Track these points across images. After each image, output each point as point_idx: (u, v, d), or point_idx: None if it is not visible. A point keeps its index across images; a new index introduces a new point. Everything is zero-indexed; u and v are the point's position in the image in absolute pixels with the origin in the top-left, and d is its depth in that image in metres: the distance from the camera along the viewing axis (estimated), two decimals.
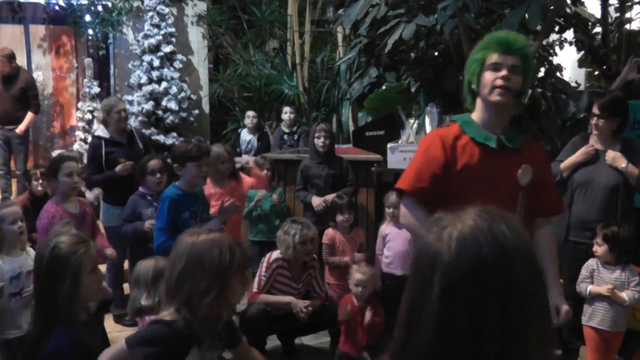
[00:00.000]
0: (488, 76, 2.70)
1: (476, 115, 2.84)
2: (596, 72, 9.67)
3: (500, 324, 1.18)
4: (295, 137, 7.35)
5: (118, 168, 5.44)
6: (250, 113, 7.62)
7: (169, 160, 5.02)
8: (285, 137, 7.39)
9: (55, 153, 8.19)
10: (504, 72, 2.67)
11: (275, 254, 4.67)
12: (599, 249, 4.09)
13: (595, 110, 4.28)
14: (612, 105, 4.25)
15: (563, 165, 4.38)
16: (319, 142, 5.57)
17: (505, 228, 1.25)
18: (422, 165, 2.78)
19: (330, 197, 5.40)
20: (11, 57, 7.54)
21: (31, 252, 3.85)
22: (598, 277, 4.11)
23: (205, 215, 4.25)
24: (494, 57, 2.69)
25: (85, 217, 4.64)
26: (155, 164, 4.99)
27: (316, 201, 5.48)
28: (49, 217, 4.39)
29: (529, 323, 1.21)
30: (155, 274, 3.32)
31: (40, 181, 5.86)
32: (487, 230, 1.23)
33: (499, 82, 2.67)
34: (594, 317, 4.09)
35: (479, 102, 2.82)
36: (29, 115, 7.66)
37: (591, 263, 4.15)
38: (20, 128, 7.58)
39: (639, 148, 4.35)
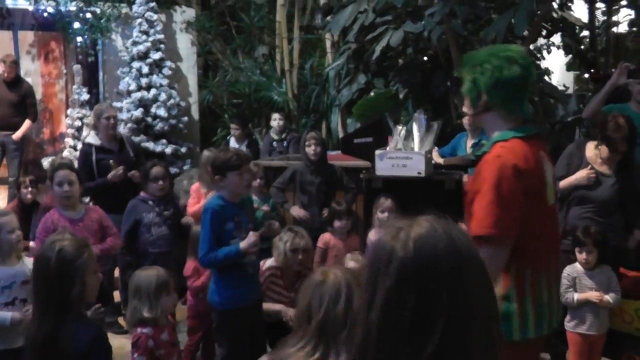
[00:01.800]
0: None
1: None
2: (585, 76, 9.72)
3: (446, 318, 1.23)
4: (285, 143, 7.36)
5: (110, 175, 5.45)
6: (232, 125, 7.67)
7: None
8: (275, 143, 7.40)
9: (44, 160, 8.18)
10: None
11: (269, 262, 4.67)
12: (590, 256, 4.09)
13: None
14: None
15: (562, 185, 4.34)
16: (310, 150, 5.58)
17: (458, 232, 1.33)
18: None
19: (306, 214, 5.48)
20: (16, 63, 7.61)
21: (27, 260, 3.85)
22: (580, 284, 4.13)
23: (251, 225, 4.10)
24: None
25: (85, 221, 4.57)
26: (158, 170, 5.05)
27: (295, 211, 5.51)
28: (47, 224, 4.40)
29: (473, 323, 1.26)
30: (158, 286, 3.33)
31: (30, 189, 5.86)
32: (442, 231, 1.30)
33: None
34: (582, 324, 4.11)
35: None
36: (27, 123, 7.69)
37: (571, 271, 4.16)
38: (17, 134, 7.60)
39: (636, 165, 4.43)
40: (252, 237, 3.87)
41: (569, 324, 4.17)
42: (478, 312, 1.27)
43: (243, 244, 3.86)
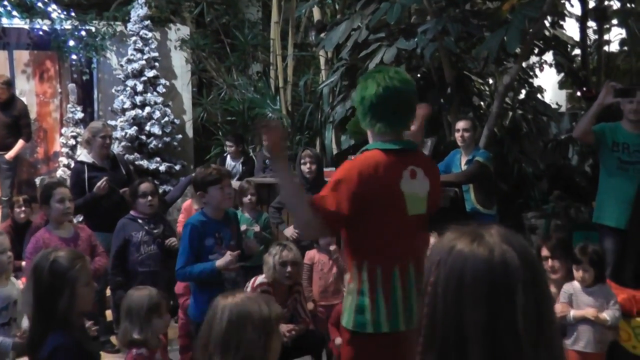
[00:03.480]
0: None
1: None
2: (577, 94, 9.78)
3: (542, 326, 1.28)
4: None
5: (95, 188, 5.41)
6: (228, 142, 7.66)
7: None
8: (267, 161, 7.41)
9: (38, 179, 8.16)
10: None
11: (260, 278, 4.66)
12: (586, 274, 4.08)
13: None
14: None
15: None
16: (305, 168, 5.59)
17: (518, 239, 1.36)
18: None
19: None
20: (9, 84, 7.57)
21: (15, 282, 3.84)
22: (577, 301, 4.12)
23: (233, 242, 4.15)
24: None
25: (77, 240, 4.58)
26: (146, 186, 5.00)
27: (289, 231, 5.50)
28: (38, 244, 4.34)
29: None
30: (150, 308, 3.31)
31: (23, 208, 5.84)
32: (515, 238, 1.33)
33: None
34: (579, 341, 4.09)
35: None
36: (20, 143, 7.66)
37: (568, 288, 4.15)
38: (10, 154, 7.57)
39: None
40: (228, 256, 3.90)
41: (566, 342, 4.14)
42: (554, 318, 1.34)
43: (219, 262, 3.90)
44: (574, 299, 4.11)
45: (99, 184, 5.42)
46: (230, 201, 4.22)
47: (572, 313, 4.07)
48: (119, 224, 4.97)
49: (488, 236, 1.31)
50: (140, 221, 4.94)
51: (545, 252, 4.24)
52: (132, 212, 5.03)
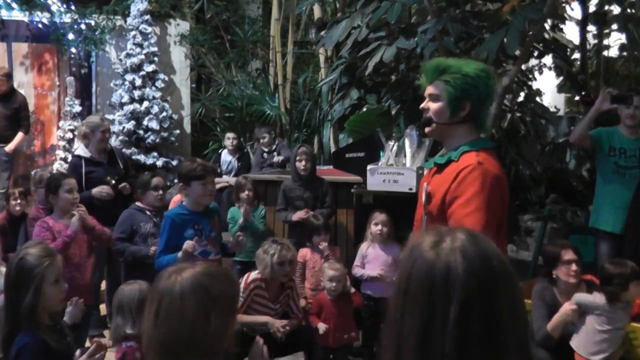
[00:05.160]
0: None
1: None
2: (576, 98, 9.79)
3: (516, 334, 1.22)
4: (275, 154, 7.38)
5: (95, 190, 5.39)
6: (230, 135, 7.62)
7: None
8: (265, 155, 7.42)
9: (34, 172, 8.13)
10: (423, 104, 2.74)
11: (253, 274, 4.66)
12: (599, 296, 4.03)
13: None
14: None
15: (550, 328, 4.12)
16: (300, 165, 5.61)
17: (486, 241, 1.30)
18: None
19: (311, 213, 5.45)
20: (9, 76, 7.56)
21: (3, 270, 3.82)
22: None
23: (214, 233, 4.21)
24: (425, 90, 2.76)
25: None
26: (158, 180, 5.14)
27: (298, 214, 5.51)
28: (43, 229, 4.36)
29: (528, 332, 1.27)
30: (141, 302, 3.29)
31: (19, 201, 5.82)
32: (480, 242, 1.27)
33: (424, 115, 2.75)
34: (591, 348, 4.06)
35: None
36: (20, 135, 7.66)
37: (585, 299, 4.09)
38: (9, 147, 7.57)
39: None
40: (185, 246, 3.95)
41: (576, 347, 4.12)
42: (526, 321, 1.28)
43: (179, 254, 3.96)
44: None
45: (101, 191, 5.39)
46: (211, 198, 4.25)
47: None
48: (125, 213, 5.06)
49: (448, 240, 1.26)
50: (148, 213, 5.03)
51: (571, 255, 4.20)
52: (138, 204, 5.08)
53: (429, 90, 2.70)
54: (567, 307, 4.05)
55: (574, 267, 4.16)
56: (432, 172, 2.77)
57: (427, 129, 2.72)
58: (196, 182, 4.09)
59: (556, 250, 4.26)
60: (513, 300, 1.24)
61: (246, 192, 5.70)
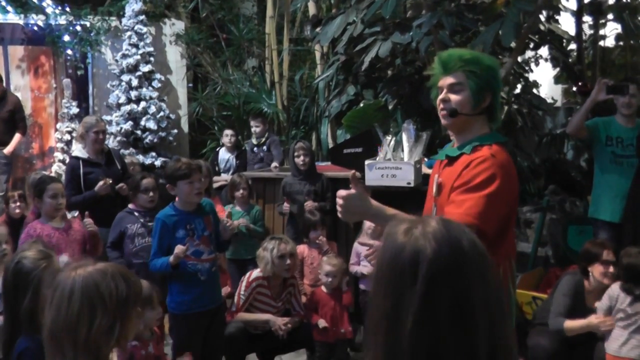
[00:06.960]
0: (437, 100, 2.68)
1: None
2: (573, 89, 9.79)
3: (486, 312, 1.22)
4: (265, 148, 7.33)
5: (97, 187, 5.42)
6: (228, 132, 7.60)
7: (161, 181, 4.99)
8: (255, 149, 7.37)
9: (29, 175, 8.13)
10: (441, 95, 2.65)
11: (255, 272, 4.67)
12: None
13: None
14: None
15: (568, 327, 4.16)
16: (299, 160, 5.65)
17: (458, 225, 1.31)
18: None
19: (315, 204, 5.50)
20: (1, 79, 7.52)
21: None
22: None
23: (207, 232, 4.18)
24: (439, 80, 2.67)
25: (69, 230, 4.58)
26: (148, 182, 5.03)
27: (285, 207, 5.56)
28: (30, 234, 4.35)
29: (505, 314, 1.28)
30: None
31: (18, 203, 5.81)
32: (452, 228, 1.28)
33: (440, 105, 2.65)
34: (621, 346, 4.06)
35: None
36: (17, 137, 7.61)
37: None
38: (8, 149, 7.52)
39: None
40: (176, 250, 3.96)
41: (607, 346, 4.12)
42: (501, 303, 1.27)
43: (171, 258, 3.97)
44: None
45: (100, 183, 5.42)
46: (200, 196, 4.22)
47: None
48: (117, 217, 5.01)
49: (420, 227, 1.28)
50: (136, 214, 4.97)
51: (611, 256, 4.22)
52: (130, 206, 5.07)
53: (449, 80, 2.61)
54: (595, 322, 4.07)
55: (611, 269, 4.20)
56: (444, 164, 2.72)
57: (450, 120, 2.63)
58: (182, 181, 4.06)
59: (598, 250, 4.29)
60: (484, 280, 1.25)
61: (241, 190, 5.72)
